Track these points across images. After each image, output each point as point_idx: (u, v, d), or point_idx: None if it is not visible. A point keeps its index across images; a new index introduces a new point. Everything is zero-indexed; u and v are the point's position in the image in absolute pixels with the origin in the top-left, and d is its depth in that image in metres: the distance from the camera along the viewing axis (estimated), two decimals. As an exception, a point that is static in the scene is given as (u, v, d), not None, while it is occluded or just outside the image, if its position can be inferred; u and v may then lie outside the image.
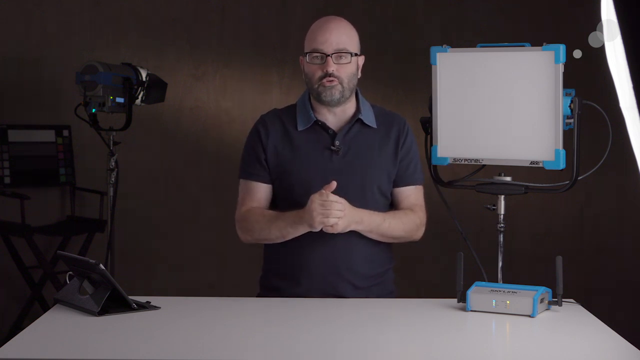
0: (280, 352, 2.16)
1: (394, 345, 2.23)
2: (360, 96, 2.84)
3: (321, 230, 2.66)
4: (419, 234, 2.85)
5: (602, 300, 5.26)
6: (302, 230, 2.69)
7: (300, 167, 2.78)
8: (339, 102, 2.77)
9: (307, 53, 2.76)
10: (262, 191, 2.82)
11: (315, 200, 2.62)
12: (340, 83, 2.74)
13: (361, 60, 2.82)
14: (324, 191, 2.62)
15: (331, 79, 2.72)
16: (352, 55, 2.75)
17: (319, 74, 2.74)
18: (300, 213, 2.67)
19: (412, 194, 2.85)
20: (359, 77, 2.81)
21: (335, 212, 2.61)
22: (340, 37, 2.74)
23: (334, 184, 2.63)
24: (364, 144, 2.80)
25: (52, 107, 5.23)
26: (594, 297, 5.24)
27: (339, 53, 2.73)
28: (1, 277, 5.22)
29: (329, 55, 2.72)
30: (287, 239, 2.74)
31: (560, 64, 2.59)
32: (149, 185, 5.36)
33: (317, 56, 2.74)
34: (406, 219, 2.80)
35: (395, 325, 2.41)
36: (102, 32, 5.29)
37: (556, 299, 2.53)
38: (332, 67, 2.72)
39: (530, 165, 2.68)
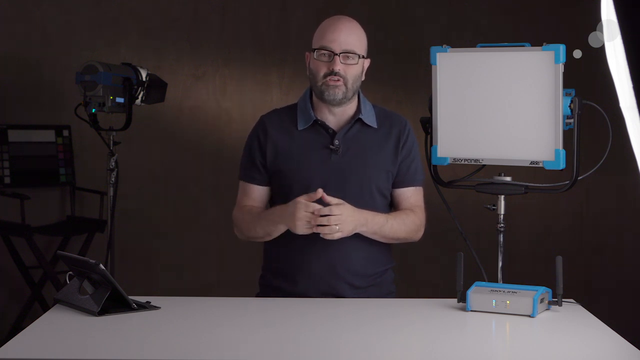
0: (280, 352, 2.16)
1: (394, 345, 2.23)
2: (361, 96, 2.85)
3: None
4: (419, 234, 2.86)
5: (602, 300, 5.26)
6: (283, 229, 2.72)
7: (300, 166, 2.78)
8: (341, 103, 2.77)
9: (314, 49, 2.76)
10: (257, 193, 2.86)
11: (301, 209, 2.62)
12: (345, 84, 2.74)
13: (367, 63, 2.82)
14: (309, 202, 2.62)
15: (336, 77, 2.72)
16: (359, 57, 2.75)
17: (324, 71, 2.74)
18: (281, 212, 2.69)
19: (412, 195, 2.85)
20: (362, 79, 2.81)
21: (333, 226, 2.62)
22: (349, 37, 2.74)
23: (319, 192, 2.64)
24: (363, 144, 2.81)
25: (52, 107, 5.22)
26: (594, 297, 5.24)
27: (347, 53, 2.73)
28: (1, 277, 5.22)
29: (336, 54, 2.72)
30: (274, 236, 2.77)
31: (560, 64, 2.59)
32: (149, 185, 5.36)
33: (324, 54, 2.74)
34: (408, 220, 2.80)
35: (395, 325, 2.41)
36: (102, 32, 5.29)
37: (556, 299, 2.53)
38: (338, 66, 2.72)
39: (530, 165, 2.68)
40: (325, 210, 2.62)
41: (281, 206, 2.72)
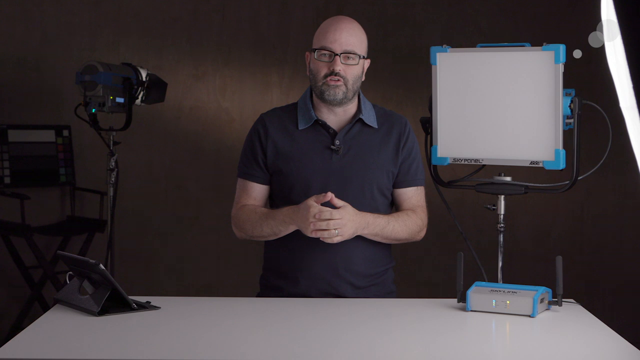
0: (280, 352, 2.16)
1: (394, 345, 2.23)
2: (361, 96, 2.85)
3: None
4: (421, 235, 2.86)
5: (602, 300, 5.27)
6: (293, 229, 2.71)
7: (300, 166, 2.78)
8: (342, 103, 2.77)
9: (315, 49, 2.76)
10: (258, 191, 2.85)
11: (312, 211, 2.62)
12: (345, 84, 2.74)
13: (367, 63, 2.82)
14: (320, 205, 2.62)
15: (336, 78, 2.72)
16: (359, 58, 2.75)
17: (324, 71, 2.74)
18: (292, 214, 2.68)
19: (414, 195, 2.85)
20: (362, 79, 2.81)
21: (332, 230, 2.61)
22: (350, 38, 2.74)
23: (329, 195, 2.64)
24: (364, 144, 2.81)
25: (52, 107, 5.23)
26: (594, 297, 5.25)
27: (347, 54, 2.73)
28: (1, 277, 5.23)
29: (337, 55, 2.73)
30: (280, 236, 2.76)
31: (560, 64, 2.59)
32: (149, 185, 5.36)
33: (325, 54, 2.74)
34: (409, 221, 2.80)
35: (395, 325, 2.41)
36: (102, 32, 5.29)
37: (556, 299, 2.53)
38: (339, 67, 2.72)
39: (530, 165, 2.68)
40: (327, 214, 2.62)
41: (292, 207, 2.70)
